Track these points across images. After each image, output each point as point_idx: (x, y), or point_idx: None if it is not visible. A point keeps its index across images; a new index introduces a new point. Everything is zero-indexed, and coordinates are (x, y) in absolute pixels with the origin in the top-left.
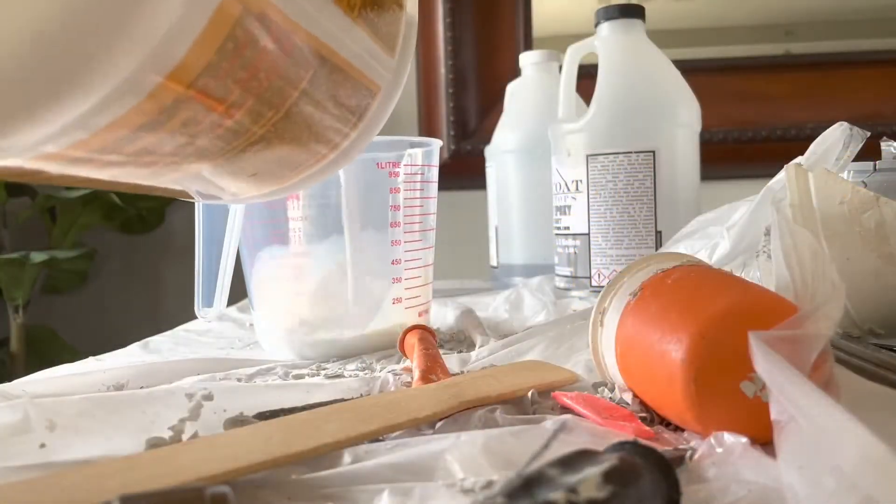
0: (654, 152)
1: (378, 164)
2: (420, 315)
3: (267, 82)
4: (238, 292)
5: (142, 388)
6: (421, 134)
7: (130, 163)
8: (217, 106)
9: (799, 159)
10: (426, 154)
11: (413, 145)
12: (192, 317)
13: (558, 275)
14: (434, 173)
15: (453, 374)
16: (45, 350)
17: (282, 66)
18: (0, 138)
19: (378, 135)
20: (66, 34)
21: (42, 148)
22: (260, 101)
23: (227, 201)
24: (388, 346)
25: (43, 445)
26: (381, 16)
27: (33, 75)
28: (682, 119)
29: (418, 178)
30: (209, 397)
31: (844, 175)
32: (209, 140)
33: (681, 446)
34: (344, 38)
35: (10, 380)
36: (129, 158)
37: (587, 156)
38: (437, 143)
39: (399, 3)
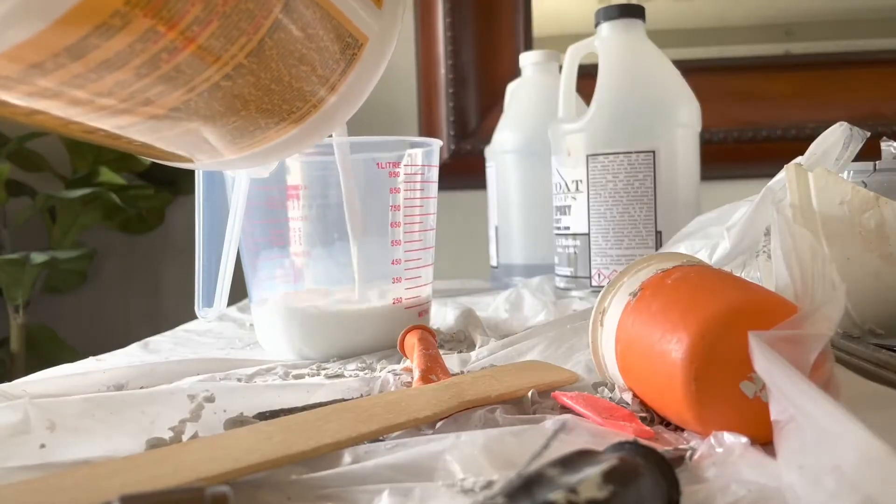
0: (654, 152)
1: (378, 164)
2: (420, 315)
3: (232, 3)
4: (238, 292)
5: (142, 388)
6: (421, 134)
7: (81, 87)
8: (169, 29)
9: (799, 159)
10: (426, 154)
11: (413, 145)
12: (192, 317)
13: (558, 275)
14: (434, 173)
15: (453, 374)
16: (45, 350)
17: None
18: None
19: (378, 135)
20: None
21: None
22: (224, 27)
23: (212, 164)
24: (388, 346)
25: (43, 446)
26: None
27: None
28: (682, 119)
29: (418, 178)
30: (211, 399)
31: (844, 175)
32: (172, 67)
33: (681, 446)
34: None
35: (10, 380)
36: (79, 77)
37: (587, 156)
38: (437, 143)
39: None
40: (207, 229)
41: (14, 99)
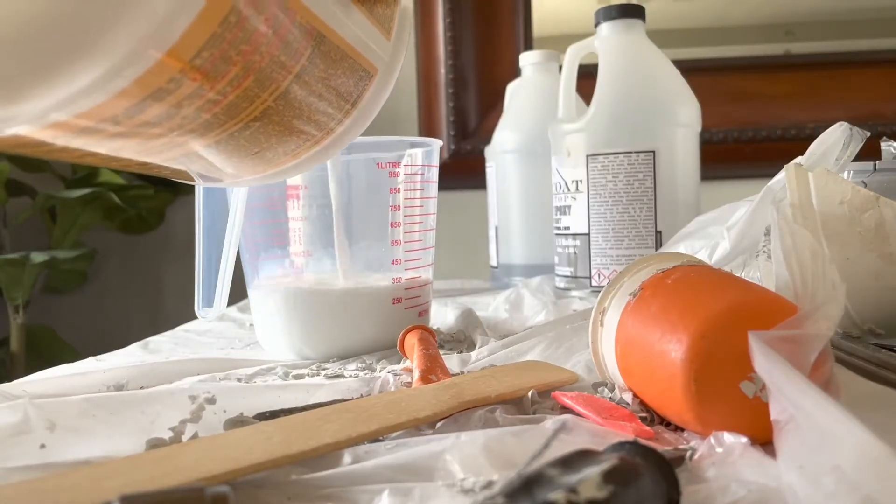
0: (654, 152)
1: (378, 164)
2: (420, 315)
3: (267, 59)
4: (238, 292)
5: (142, 388)
6: (421, 134)
7: (132, 135)
8: (216, 83)
9: (799, 159)
10: (426, 154)
11: (413, 145)
12: (192, 317)
13: (558, 275)
14: (434, 173)
15: (453, 374)
16: (45, 350)
17: (279, 43)
18: (13, 103)
19: (378, 135)
20: (78, 7)
21: (51, 116)
22: (259, 79)
23: (227, 184)
24: (388, 346)
25: (43, 446)
26: None
27: (46, 42)
28: (682, 119)
29: (418, 178)
30: (212, 401)
31: (844, 175)
32: (211, 115)
33: (681, 446)
34: (341, 16)
35: (10, 380)
36: (130, 130)
37: (587, 156)
38: (437, 143)
39: None
40: (207, 229)
41: (56, 140)
